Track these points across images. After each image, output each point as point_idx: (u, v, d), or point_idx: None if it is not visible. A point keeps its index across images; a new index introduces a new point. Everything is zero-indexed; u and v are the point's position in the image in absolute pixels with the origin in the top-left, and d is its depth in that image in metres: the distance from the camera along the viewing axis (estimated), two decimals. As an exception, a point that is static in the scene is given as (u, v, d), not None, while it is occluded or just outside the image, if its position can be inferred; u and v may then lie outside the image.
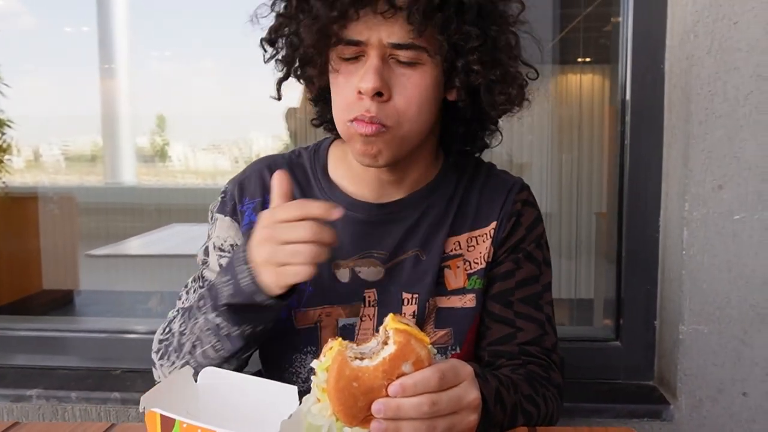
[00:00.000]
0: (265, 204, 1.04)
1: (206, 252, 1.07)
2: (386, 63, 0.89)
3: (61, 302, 2.69)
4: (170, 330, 1.00)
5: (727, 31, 1.35)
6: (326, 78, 0.96)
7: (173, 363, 0.97)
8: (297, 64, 0.97)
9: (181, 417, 0.65)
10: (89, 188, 3.95)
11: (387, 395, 0.67)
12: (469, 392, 0.73)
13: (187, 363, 0.94)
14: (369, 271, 1.02)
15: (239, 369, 0.97)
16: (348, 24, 0.87)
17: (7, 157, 3.10)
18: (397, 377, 0.67)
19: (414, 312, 1.01)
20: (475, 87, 0.94)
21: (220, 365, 0.91)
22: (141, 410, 0.69)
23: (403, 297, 1.01)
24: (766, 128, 1.37)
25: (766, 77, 1.36)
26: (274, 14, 0.97)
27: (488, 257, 1.04)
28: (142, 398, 0.70)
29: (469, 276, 1.03)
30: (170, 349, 0.98)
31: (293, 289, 0.88)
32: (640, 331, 1.57)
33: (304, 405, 0.70)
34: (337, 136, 1.06)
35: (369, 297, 1.02)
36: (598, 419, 1.49)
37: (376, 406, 0.67)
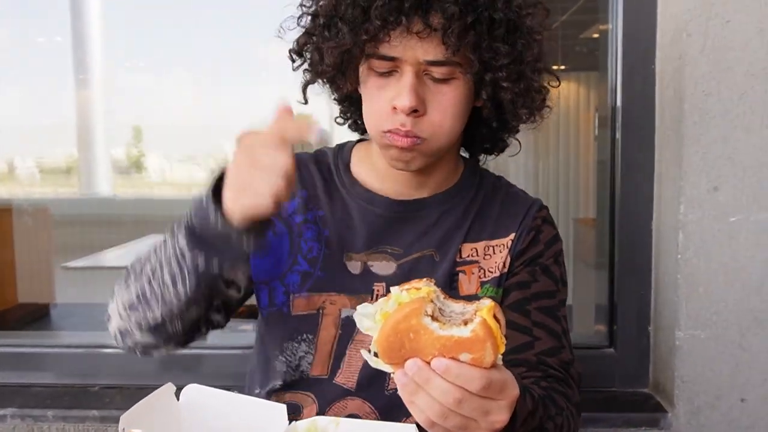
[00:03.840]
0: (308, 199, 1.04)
1: None
2: (420, 79, 0.90)
3: (37, 315, 2.62)
4: (138, 258, 0.93)
5: (720, 30, 1.33)
6: (355, 85, 0.98)
7: (128, 287, 0.89)
8: (325, 74, 0.96)
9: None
10: (64, 200, 3.87)
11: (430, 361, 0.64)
12: (500, 413, 0.68)
13: (141, 288, 0.87)
14: (381, 266, 1.02)
15: (209, 325, 0.96)
16: (380, 42, 0.88)
17: (-21, 169, 3.01)
18: (451, 358, 0.64)
19: None
20: (500, 99, 0.95)
21: (174, 310, 0.86)
22: (120, 431, 0.64)
23: None
24: (760, 129, 1.35)
25: (759, 77, 1.34)
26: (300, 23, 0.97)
27: (503, 267, 1.03)
28: (121, 418, 0.66)
29: (482, 284, 1.03)
30: (130, 274, 0.91)
31: (258, 233, 0.84)
32: (634, 338, 1.54)
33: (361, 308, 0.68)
34: (362, 138, 1.10)
35: (378, 291, 1.01)
36: (593, 429, 1.46)
37: (411, 364, 0.65)
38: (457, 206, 1.05)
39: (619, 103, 1.52)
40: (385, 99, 0.91)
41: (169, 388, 0.75)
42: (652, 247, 1.51)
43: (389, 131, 0.91)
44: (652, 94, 1.49)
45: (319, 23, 0.92)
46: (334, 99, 1.08)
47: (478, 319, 0.63)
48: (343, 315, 1.00)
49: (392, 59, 0.89)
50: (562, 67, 2.30)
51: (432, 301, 0.65)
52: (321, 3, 0.93)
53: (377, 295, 1.00)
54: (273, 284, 1.03)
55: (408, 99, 0.88)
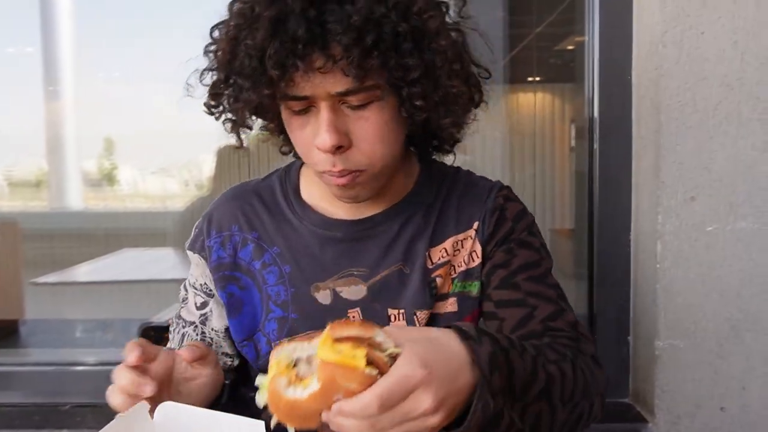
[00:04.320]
0: (232, 237, 1.01)
1: (185, 288, 1.06)
2: (338, 111, 0.84)
3: (5, 332, 2.55)
4: None
5: (695, 41, 1.34)
6: (278, 125, 0.95)
7: None
8: (246, 125, 0.92)
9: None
10: (33, 213, 3.80)
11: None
12: (421, 402, 0.62)
13: None
14: (351, 290, 0.97)
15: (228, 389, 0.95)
16: (287, 85, 0.81)
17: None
18: (336, 400, 0.62)
19: None
20: (421, 113, 0.88)
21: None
22: None
23: (389, 313, 0.97)
24: (735, 139, 1.36)
25: (733, 87, 1.35)
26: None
27: (474, 258, 0.98)
28: None
29: (453, 280, 0.98)
30: None
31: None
32: (614, 348, 1.54)
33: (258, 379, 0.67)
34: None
35: (354, 317, 0.97)
36: (574, 440, 1.45)
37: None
38: (417, 212, 1.00)
39: (596, 114, 1.53)
40: (308, 138, 0.86)
41: (143, 406, 0.72)
42: (630, 257, 1.51)
43: (323, 173, 0.88)
44: (629, 105, 1.50)
45: (221, 80, 0.87)
46: (270, 131, 1.02)
47: (315, 366, 0.62)
48: None
49: (303, 98, 0.83)
50: (537, 79, 2.32)
51: (289, 366, 0.64)
52: (218, 59, 0.87)
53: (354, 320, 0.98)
54: (255, 337, 1.00)
55: (327, 138, 0.83)
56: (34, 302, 2.53)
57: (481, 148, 1.96)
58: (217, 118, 0.93)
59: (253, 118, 0.95)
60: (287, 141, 1.00)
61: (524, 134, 2.08)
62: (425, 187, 1.02)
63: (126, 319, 2.07)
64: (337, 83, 0.81)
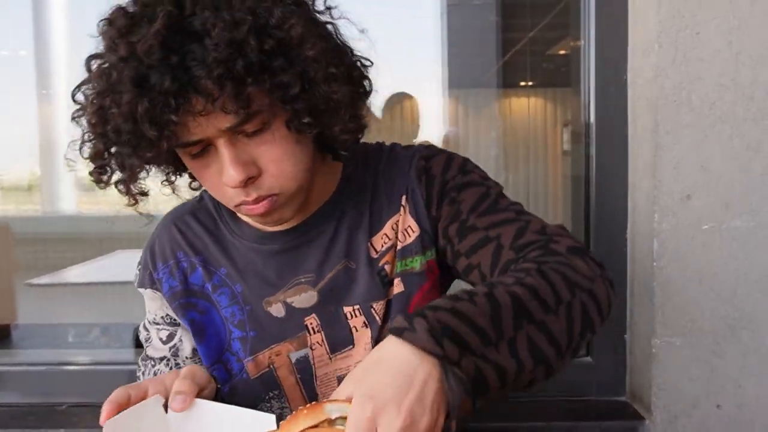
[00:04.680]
0: (179, 264, 1.00)
1: (147, 329, 1.06)
2: (237, 142, 0.81)
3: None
4: None
5: (690, 41, 1.36)
6: (180, 167, 0.92)
7: None
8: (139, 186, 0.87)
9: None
10: (25, 218, 3.78)
11: None
12: (391, 425, 0.61)
13: None
14: (302, 299, 0.97)
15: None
16: (173, 135, 0.77)
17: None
18: None
19: (364, 322, 0.95)
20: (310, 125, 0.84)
21: None
22: None
23: (345, 312, 0.96)
24: (730, 138, 1.37)
25: (728, 87, 1.36)
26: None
27: (408, 233, 0.96)
28: (106, 423, 0.63)
29: (396, 261, 0.96)
30: None
31: None
32: (611, 346, 1.55)
33: None
34: None
35: (311, 324, 0.97)
36: (572, 438, 1.46)
37: None
38: (349, 205, 0.98)
39: (592, 114, 1.54)
40: (215, 178, 0.84)
41: (157, 399, 0.72)
42: (627, 256, 1.52)
43: (238, 206, 0.86)
44: (625, 105, 1.51)
45: (100, 150, 0.81)
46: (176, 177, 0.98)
47: None
48: (293, 360, 0.97)
49: (198, 142, 0.80)
50: (530, 84, 2.33)
51: None
52: (92, 129, 0.80)
53: (312, 329, 0.97)
54: (224, 358, 1.00)
55: (234, 174, 0.80)
56: (27, 304, 2.52)
57: (475, 151, 1.96)
58: (105, 185, 0.86)
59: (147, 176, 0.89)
60: (193, 177, 0.97)
61: (518, 138, 2.08)
62: (351, 178, 1.00)
63: (123, 323, 2.06)
64: (223, 119, 0.78)
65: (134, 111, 0.73)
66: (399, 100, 2.00)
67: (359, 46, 0.91)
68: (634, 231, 1.50)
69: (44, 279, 2.29)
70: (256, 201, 0.84)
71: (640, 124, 1.46)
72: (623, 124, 1.51)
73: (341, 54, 0.86)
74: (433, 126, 1.99)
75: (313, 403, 0.65)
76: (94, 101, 0.77)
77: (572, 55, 1.68)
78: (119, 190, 0.87)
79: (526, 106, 2.25)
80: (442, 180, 0.96)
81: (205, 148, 0.82)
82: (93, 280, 2.37)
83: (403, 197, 0.97)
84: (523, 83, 2.30)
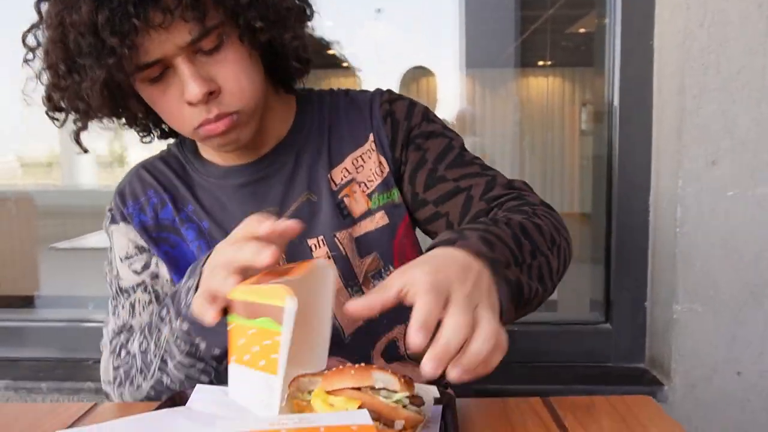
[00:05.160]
0: (150, 201, 1.02)
1: (113, 269, 1.02)
2: (196, 61, 0.84)
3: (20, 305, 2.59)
4: (127, 353, 0.92)
5: (719, 3, 1.34)
6: (134, 104, 0.92)
7: (139, 386, 0.89)
8: (100, 114, 0.90)
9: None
10: (48, 191, 3.83)
11: None
12: (467, 266, 0.65)
13: (159, 381, 0.87)
14: None
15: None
16: (133, 55, 0.80)
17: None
18: None
19: (327, 254, 0.97)
20: (263, 39, 0.89)
21: (197, 378, 0.85)
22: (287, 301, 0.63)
23: (309, 244, 0.98)
24: (757, 104, 1.36)
25: (758, 52, 1.35)
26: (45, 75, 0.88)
27: (382, 169, 1.01)
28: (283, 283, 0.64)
29: (369, 195, 1.01)
30: (133, 371, 0.90)
31: None
32: (630, 313, 1.55)
33: None
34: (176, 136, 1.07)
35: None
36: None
37: (427, 370, 0.57)
38: (307, 141, 1.02)
39: (615, 93, 1.52)
40: (175, 101, 0.86)
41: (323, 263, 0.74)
42: (649, 221, 1.52)
43: (199, 126, 0.87)
44: (650, 69, 1.50)
45: (61, 71, 0.83)
46: (123, 125, 1.00)
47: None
48: None
49: (156, 63, 0.83)
50: (549, 63, 2.31)
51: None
52: (51, 52, 0.83)
53: (278, 262, 0.97)
54: None
55: (196, 87, 0.83)
56: (51, 267, 2.56)
57: (491, 131, 1.96)
58: (61, 125, 0.92)
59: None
60: (143, 128, 1.03)
61: (533, 117, 2.07)
62: (307, 114, 1.05)
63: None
64: (182, 33, 0.81)
65: (94, 21, 0.76)
66: (416, 76, 1.99)
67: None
68: (657, 196, 1.49)
69: (65, 244, 2.35)
70: (217, 119, 0.86)
71: (666, 88, 1.45)
72: (648, 102, 1.50)
73: None
74: (450, 104, 1.98)
75: (363, 365, 0.66)
76: (52, 23, 0.80)
77: (595, 33, 1.66)
78: (77, 127, 0.91)
79: (545, 86, 2.24)
80: (407, 125, 1.02)
81: (163, 72, 0.85)
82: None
83: (371, 135, 1.02)
84: (541, 63, 2.29)
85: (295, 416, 0.56)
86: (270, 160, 1.01)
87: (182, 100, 0.85)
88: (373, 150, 1.01)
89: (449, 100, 1.97)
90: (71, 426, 0.75)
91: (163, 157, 1.07)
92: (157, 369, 0.87)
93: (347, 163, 1.01)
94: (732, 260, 1.39)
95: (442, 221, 0.97)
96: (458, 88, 1.95)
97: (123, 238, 1.01)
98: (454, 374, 0.59)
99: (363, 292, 0.99)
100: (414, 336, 0.56)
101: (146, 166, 1.05)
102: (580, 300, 1.75)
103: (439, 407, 0.74)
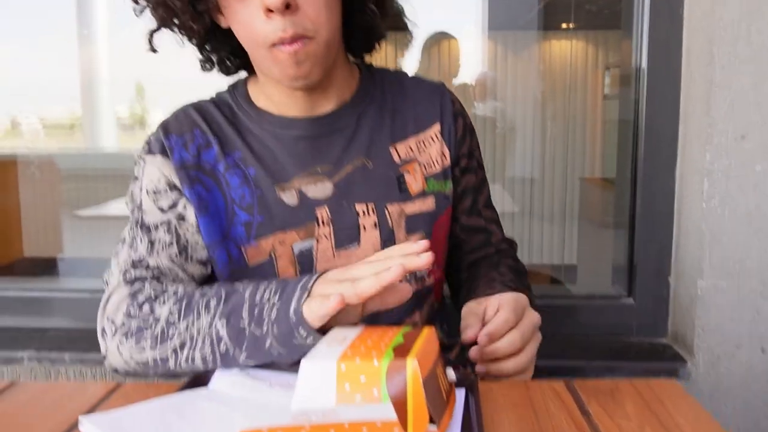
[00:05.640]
0: (196, 139, 0.99)
1: (136, 198, 0.98)
2: None
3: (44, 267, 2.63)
4: (150, 311, 0.86)
5: (753, -28, 1.30)
6: (208, 18, 0.93)
7: (142, 349, 0.85)
8: (176, 15, 0.92)
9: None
10: (69, 155, 3.87)
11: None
12: (534, 314, 0.89)
13: (164, 359, 0.84)
14: (316, 189, 0.98)
15: None
16: None
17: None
18: None
19: (375, 222, 0.97)
20: None
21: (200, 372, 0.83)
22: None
23: (357, 209, 0.98)
24: (789, 76, 1.32)
25: (791, 22, 1.31)
26: None
27: (444, 160, 1.04)
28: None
29: (427, 179, 1.03)
30: (146, 333, 0.85)
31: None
32: (653, 288, 1.53)
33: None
34: (235, 74, 1.09)
35: (321, 215, 0.97)
36: (611, 376, 1.45)
37: (473, 354, 0.83)
38: (369, 109, 1.03)
39: (643, 57, 1.48)
40: (254, 8, 0.86)
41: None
42: (674, 195, 1.49)
43: (274, 44, 0.87)
44: (679, 47, 1.45)
45: None
46: (195, 44, 1.02)
47: None
48: (296, 251, 0.97)
49: None
50: (572, 26, 2.27)
51: None
52: None
53: (321, 220, 0.97)
54: (226, 242, 0.97)
55: None
56: (73, 235, 2.59)
57: (513, 94, 1.93)
58: (139, 15, 0.97)
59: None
60: (210, 53, 1.05)
61: (554, 81, 2.04)
62: (369, 85, 1.06)
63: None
64: None
65: None
66: (437, 41, 1.96)
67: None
68: (684, 169, 1.46)
69: (89, 211, 2.37)
70: (292, 39, 0.86)
71: (694, 58, 1.41)
72: (676, 67, 1.46)
73: None
74: (472, 67, 1.96)
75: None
76: None
77: None
78: (154, 27, 0.96)
79: (568, 49, 2.20)
80: (471, 143, 1.10)
81: None
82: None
83: (437, 124, 1.05)
84: (564, 26, 2.24)
85: (319, 410, 0.55)
86: (332, 119, 1.01)
87: (260, 11, 0.85)
88: (436, 138, 1.04)
89: (471, 63, 1.95)
90: (94, 407, 0.75)
91: (213, 101, 1.05)
92: (171, 349, 0.83)
93: (411, 142, 1.04)
94: (759, 235, 1.36)
95: (460, 244, 1.13)
96: (480, 51, 1.92)
97: (156, 170, 0.97)
98: (481, 367, 0.84)
99: None
100: (480, 336, 0.83)
101: (196, 106, 1.03)
102: (602, 269, 1.73)
103: (462, 389, 0.74)
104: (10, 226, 2.75)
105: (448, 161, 1.04)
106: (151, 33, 0.97)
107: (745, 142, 1.34)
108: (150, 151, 0.99)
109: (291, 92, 0.98)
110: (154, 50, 0.98)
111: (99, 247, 2.38)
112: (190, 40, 1.00)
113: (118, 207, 2.59)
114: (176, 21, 0.94)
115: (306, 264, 0.97)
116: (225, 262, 0.98)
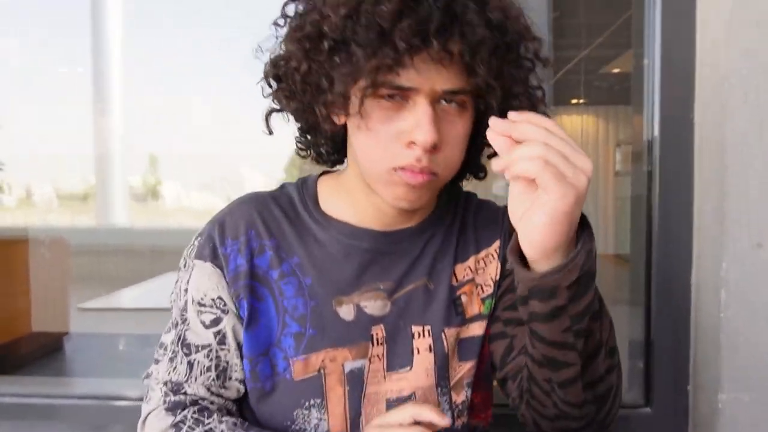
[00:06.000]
0: (250, 243, 0.93)
1: (179, 302, 0.94)
2: (435, 110, 0.82)
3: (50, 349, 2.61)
4: None
5: (762, 78, 1.27)
6: (345, 115, 0.87)
7: None
8: (330, 104, 0.85)
9: None
10: (81, 230, 3.90)
11: None
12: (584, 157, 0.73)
13: None
14: (375, 306, 0.94)
15: None
16: (398, 69, 0.78)
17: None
18: None
19: (430, 346, 0.93)
20: None
21: None
22: None
23: (413, 331, 0.94)
24: (805, 182, 1.28)
25: (804, 128, 1.27)
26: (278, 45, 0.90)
27: (496, 277, 0.99)
28: None
29: (483, 300, 0.99)
30: None
31: None
32: (672, 398, 1.47)
33: None
34: (327, 170, 1.04)
35: (377, 334, 0.93)
36: (629, 494, 1.38)
37: (493, 120, 0.73)
38: (439, 231, 0.99)
39: (657, 120, 1.44)
40: (396, 132, 0.82)
41: None
42: (690, 304, 1.44)
43: (401, 168, 0.83)
44: (691, 142, 1.42)
45: (324, 47, 0.80)
46: (300, 128, 0.99)
47: None
48: (347, 370, 0.92)
49: (407, 89, 0.80)
50: (582, 101, 2.26)
51: None
52: (327, 21, 0.80)
53: (376, 339, 0.93)
54: (272, 352, 0.93)
55: (430, 134, 0.80)
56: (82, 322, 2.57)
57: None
58: (266, 96, 0.93)
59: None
60: (310, 144, 1.00)
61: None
62: (445, 207, 1.02)
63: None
64: (448, 80, 0.80)
65: (395, 21, 0.75)
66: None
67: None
68: (699, 279, 1.41)
69: (96, 303, 2.34)
70: (421, 171, 0.84)
71: (707, 166, 1.37)
72: (689, 164, 1.42)
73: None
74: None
75: None
76: (329, 13, 0.79)
77: (633, 72, 1.58)
78: (278, 100, 0.93)
79: (579, 124, 2.19)
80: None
81: (400, 102, 0.82)
82: (142, 306, 2.39)
83: (497, 242, 1.01)
84: (575, 101, 2.23)
85: None
86: (403, 237, 0.97)
87: (399, 134, 0.82)
88: (495, 257, 1.01)
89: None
90: None
91: (274, 196, 0.98)
92: None
93: (471, 261, 1.00)
94: (780, 347, 1.31)
95: (505, 341, 0.96)
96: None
97: (205, 280, 0.93)
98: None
99: (450, 396, 0.96)
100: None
101: (254, 201, 0.97)
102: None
103: None
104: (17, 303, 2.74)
105: (497, 277, 1.00)
106: (269, 114, 0.95)
107: (762, 251, 1.30)
108: (200, 256, 0.94)
109: (383, 207, 0.94)
110: (270, 132, 0.96)
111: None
112: (299, 127, 0.98)
113: (125, 298, 2.57)
114: (315, 125, 0.93)
115: (356, 384, 0.93)
116: (268, 375, 0.93)
